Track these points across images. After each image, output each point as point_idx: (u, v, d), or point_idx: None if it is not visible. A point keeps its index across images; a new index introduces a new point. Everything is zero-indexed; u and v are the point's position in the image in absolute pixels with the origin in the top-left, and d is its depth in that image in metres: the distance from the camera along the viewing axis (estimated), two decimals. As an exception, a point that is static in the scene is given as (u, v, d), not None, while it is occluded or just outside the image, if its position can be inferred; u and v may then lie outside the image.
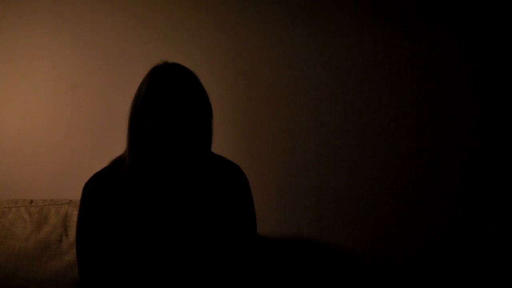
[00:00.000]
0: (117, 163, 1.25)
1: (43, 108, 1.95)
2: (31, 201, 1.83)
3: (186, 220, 1.21)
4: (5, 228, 1.74)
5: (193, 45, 1.85)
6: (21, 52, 1.95)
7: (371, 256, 1.79)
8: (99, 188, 1.23)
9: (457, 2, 1.70)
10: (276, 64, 1.82)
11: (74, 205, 1.77)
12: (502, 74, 1.69)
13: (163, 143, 1.14)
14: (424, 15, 1.73)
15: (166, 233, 1.20)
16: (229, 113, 1.83)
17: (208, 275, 1.22)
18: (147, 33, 1.88)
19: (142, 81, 1.18)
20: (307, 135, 1.81)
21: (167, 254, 1.20)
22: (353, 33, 1.76)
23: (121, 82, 1.88)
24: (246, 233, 1.29)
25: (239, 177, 1.32)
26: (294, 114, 1.81)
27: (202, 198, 1.23)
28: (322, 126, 1.80)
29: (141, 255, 1.19)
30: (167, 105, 1.13)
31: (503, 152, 1.70)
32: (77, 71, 1.93)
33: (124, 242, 1.19)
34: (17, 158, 1.97)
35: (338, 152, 1.79)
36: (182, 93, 1.15)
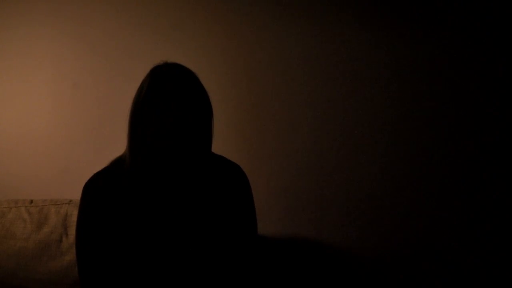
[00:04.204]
0: (117, 163, 1.25)
1: (43, 108, 1.95)
2: (31, 201, 1.83)
3: (187, 220, 1.21)
4: (5, 228, 1.74)
5: (193, 45, 1.85)
6: (21, 52, 1.95)
7: (371, 256, 1.79)
8: (99, 188, 1.23)
9: (459, 2, 1.70)
10: (277, 64, 1.82)
11: (74, 205, 1.77)
12: (503, 75, 1.69)
13: (163, 143, 1.14)
14: (425, 15, 1.73)
15: (166, 233, 1.20)
16: (230, 113, 1.83)
17: (208, 275, 1.22)
18: (147, 33, 1.88)
19: (143, 81, 1.18)
20: (307, 135, 1.81)
21: (167, 254, 1.20)
22: (353, 33, 1.76)
23: (121, 82, 1.88)
24: (246, 233, 1.29)
25: (240, 177, 1.32)
26: (294, 114, 1.81)
27: (203, 198, 1.24)
28: (322, 126, 1.80)
29: (141, 255, 1.19)
30: (167, 105, 1.13)
31: (504, 152, 1.70)
32: (77, 71, 1.93)
33: (124, 242, 1.19)
34: (17, 158, 1.97)
35: (339, 152, 1.79)
36: (182, 93, 1.15)
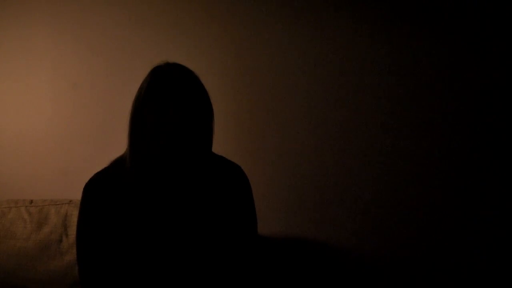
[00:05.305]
0: (117, 163, 1.25)
1: (43, 108, 1.95)
2: (31, 201, 1.83)
3: (187, 221, 1.21)
4: (5, 228, 1.75)
5: (193, 45, 1.85)
6: (21, 52, 1.95)
7: (371, 256, 1.79)
8: (99, 188, 1.23)
9: (459, 2, 1.70)
10: (277, 64, 1.82)
11: (74, 205, 1.77)
12: (504, 75, 1.69)
13: (164, 143, 1.14)
14: (425, 15, 1.73)
15: (167, 234, 1.20)
16: (230, 113, 1.83)
17: (208, 275, 1.22)
18: (147, 33, 1.88)
19: (143, 81, 1.18)
20: (307, 135, 1.81)
21: (167, 255, 1.20)
22: (353, 33, 1.76)
23: (121, 82, 1.88)
24: (246, 233, 1.29)
25: (240, 177, 1.32)
26: (294, 114, 1.81)
27: (203, 198, 1.23)
28: (322, 126, 1.80)
29: (142, 256, 1.19)
30: (168, 105, 1.13)
31: (504, 152, 1.70)
32: (77, 71, 1.93)
33: (124, 243, 1.19)
34: (17, 158, 1.97)
35: (339, 152, 1.79)
36: (183, 93, 1.15)
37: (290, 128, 1.82)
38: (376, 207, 1.78)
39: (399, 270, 1.78)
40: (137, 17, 1.88)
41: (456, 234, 1.74)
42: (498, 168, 1.71)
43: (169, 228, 1.20)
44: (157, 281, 1.19)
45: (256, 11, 1.82)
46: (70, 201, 1.80)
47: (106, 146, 1.81)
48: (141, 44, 1.88)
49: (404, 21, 1.74)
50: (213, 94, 1.22)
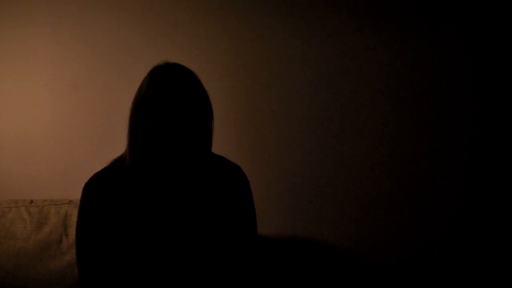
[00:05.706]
0: (117, 163, 1.25)
1: (43, 108, 1.95)
2: (31, 201, 1.83)
3: (186, 221, 1.21)
4: (5, 228, 1.74)
5: (193, 45, 1.85)
6: (21, 52, 1.95)
7: (371, 256, 1.79)
8: (99, 188, 1.23)
9: (460, 3, 1.70)
10: (277, 64, 1.82)
11: (74, 205, 1.77)
12: (504, 75, 1.69)
13: (163, 143, 1.14)
14: (426, 16, 1.73)
15: (166, 234, 1.20)
16: (230, 113, 1.83)
17: (208, 275, 1.22)
18: (147, 33, 1.88)
19: (143, 81, 1.18)
20: (307, 135, 1.81)
21: (167, 255, 1.20)
22: (354, 33, 1.76)
23: (121, 82, 1.88)
24: (246, 233, 1.29)
25: (240, 177, 1.32)
26: (294, 114, 1.81)
27: (203, 198, 1.24)
28: (322, 126, 1.80)
29: (141, 255, 1.19)
30: (167, 105, 1.13)
31: (504, 152, 1.70)
32: (77, 71, 1.93)
33: (124, 242, 1.19)
34: (17, 158, 1.97)
35: (339, 152, 1.79)
36: (182, 93, 1.15)
37: (290, 128, 1.82)
38: (376, 207, 1.78)
39: (399, 270, 1.78)
40: (137, 17, 1.88)
41: (457, 234, 1.73)
42: (498, 168, 1.71)
43: (168, 228, 1.20)
44: (157, 281, 1.19)
45: (256, 11, 1.82)
46: (70, 201, 1.80)
47: (106, 146, 1.81)
48: (141, 44, 1.88)
49: (405, 21, 1.74)
50: (213, 94, 1.22)
